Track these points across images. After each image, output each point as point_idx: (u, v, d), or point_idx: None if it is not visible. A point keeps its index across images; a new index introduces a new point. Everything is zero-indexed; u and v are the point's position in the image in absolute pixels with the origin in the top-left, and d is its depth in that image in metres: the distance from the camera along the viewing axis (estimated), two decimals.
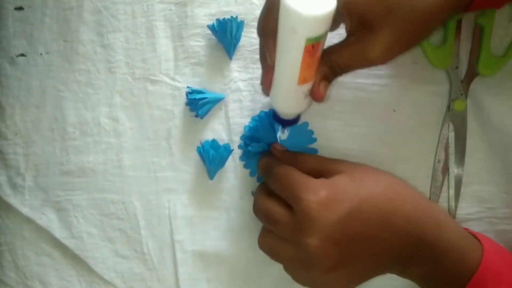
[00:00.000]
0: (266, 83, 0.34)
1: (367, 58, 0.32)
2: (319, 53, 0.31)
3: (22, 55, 0.44)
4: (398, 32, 0.31)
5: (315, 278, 0.33)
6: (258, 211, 0.36)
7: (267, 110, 0.41)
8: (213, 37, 0.43)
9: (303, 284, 0.35)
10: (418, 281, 0.35)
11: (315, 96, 0.33)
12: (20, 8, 0.45)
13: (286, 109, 0.36)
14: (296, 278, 0.35)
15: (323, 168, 0.36)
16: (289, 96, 0.34)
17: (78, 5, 0.44)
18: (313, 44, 0.29)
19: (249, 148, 0.40)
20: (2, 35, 0.45)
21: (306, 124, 0.41)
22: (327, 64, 0.33)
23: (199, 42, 0.43)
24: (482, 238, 0.34)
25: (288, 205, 0.34)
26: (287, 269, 0.35)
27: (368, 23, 0.31)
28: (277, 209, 0.34)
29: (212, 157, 0.41)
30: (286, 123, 0.38)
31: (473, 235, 0.35)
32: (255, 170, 0.41)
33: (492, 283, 0.32)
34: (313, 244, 0.32)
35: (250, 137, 0.41)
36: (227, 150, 0.42)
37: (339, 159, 0.38)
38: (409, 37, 0.32)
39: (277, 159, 0.39)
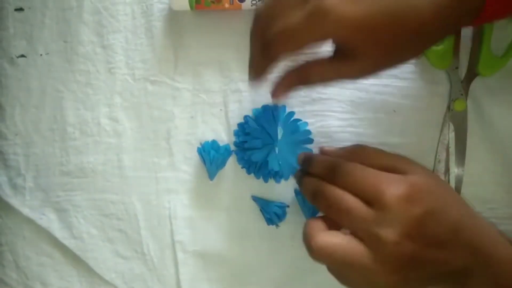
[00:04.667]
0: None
1: (344, 76, 0.32)
2: None
3: (22, 55, 0.44)
4: (380, 55, 0.31)
5: (379, 280, 0.31)
6: (326, 199, 0.33)
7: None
8: (213, 37, 0.43)
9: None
10: None
11: (273, 93, 0.35)
12: (20, 9, 0.45)
13: None
14: (352, 282, 0.33)
15: (395, 166, 0.34)
16: None
17: (78, 5, 0.44)
18: None
19: (245, 145, 0.40)
20: (2, 36, 0.45)
21: (305, 123, 0.41)
22: (300, 72, 0.33)
23: (199, 42, 0.43)
24: None
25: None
26: (343, 271, 0.33)
27: (349, 51, 0.31)
28: (349, 197, 0.32)
29: (212, 158, 0.41)
30: None
31: None
32: (249, 168, 0.41)
33: None
34: (391, 237, 0.30)
35: (248, 132, 0.41)
36: (228, 150, 0.42)
37: (409, 159, 0.36)
38: (393, 58, 0.32)
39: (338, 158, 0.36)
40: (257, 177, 0.42)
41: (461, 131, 0.42)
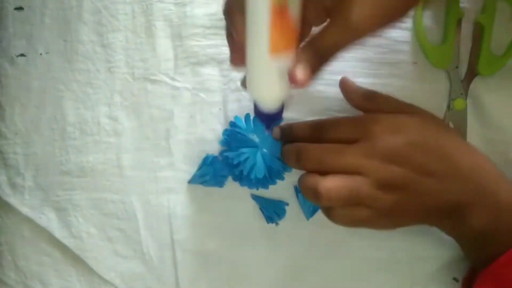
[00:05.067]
0: (235, 59, 0.34)
1: (351, 27, 0.30)
2: (290, 17, 0.30)
3: (22, 55, 0.44)
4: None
5: (381, 205, 0.33)
6: (314, 153, 0.35)
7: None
8: (213, 36, 0.43)
9: (366, 224, 0.35)
10: (472, 237, 0.35)
11: (292, 78, 0.31)
12: (20, 8, 0.45)
13: (264, 93, 0.33)
14: (360, 218, 0.34)
15: (399, 108, 0.37)
16: (264, 72, 0.32)
17: (77, 5, 0.44)
18: (280, 5, 0.29)
19: (228, 156, 0.40)
20: (2, 35, 0.45)
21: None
22: (311, 49, 0.31)
23: (199, 42, 0.43)
24: None
25: None
26: (351, 208, 0.34)
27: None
28: (337, 144, 0.35)
29: (204, 173, 0.41)
30: (269, 118, 0.37)
31: None
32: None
33: None
34: (377, 162, 0.33)
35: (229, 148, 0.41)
36: (221, 180, 0.41)
37: (415, 106, 0.38)
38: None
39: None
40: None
41: (461, 130, 0.42)
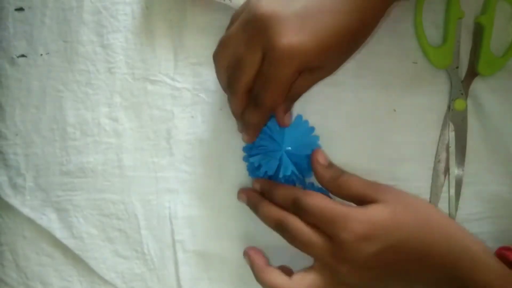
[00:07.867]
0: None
1: (318, 80, 0.36)
2: None
3: (22, 55, 0.44)
4: (341, 59, 0.36)
5: None
6: (288, 231, 0.35)
7: None
8: (213, 37, 0.43)
9: None
10: None
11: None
12: (20, 9, 0.45)
13: None
14: None
15: (366, 194, 0.35)
16: None
17: (78, 5, 0.44)
18: None
19: (251, 159, 0.39)
20: (2, 36, 0.45)
21: (307, 123, 0.41)
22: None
23: (199, 42, 0.43)
24: None
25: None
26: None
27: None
28: (309, 232, 0.34)
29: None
30: None
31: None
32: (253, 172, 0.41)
33: None
34: (347, 271, 0.33)
35: (253, 148, 0.40)
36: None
37: (384, 185, 0.37)
38: (351, 53, 0.36)
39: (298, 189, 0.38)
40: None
41: (461, 130, 0.42)
